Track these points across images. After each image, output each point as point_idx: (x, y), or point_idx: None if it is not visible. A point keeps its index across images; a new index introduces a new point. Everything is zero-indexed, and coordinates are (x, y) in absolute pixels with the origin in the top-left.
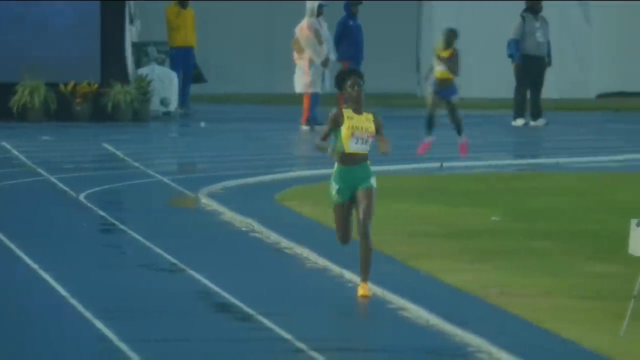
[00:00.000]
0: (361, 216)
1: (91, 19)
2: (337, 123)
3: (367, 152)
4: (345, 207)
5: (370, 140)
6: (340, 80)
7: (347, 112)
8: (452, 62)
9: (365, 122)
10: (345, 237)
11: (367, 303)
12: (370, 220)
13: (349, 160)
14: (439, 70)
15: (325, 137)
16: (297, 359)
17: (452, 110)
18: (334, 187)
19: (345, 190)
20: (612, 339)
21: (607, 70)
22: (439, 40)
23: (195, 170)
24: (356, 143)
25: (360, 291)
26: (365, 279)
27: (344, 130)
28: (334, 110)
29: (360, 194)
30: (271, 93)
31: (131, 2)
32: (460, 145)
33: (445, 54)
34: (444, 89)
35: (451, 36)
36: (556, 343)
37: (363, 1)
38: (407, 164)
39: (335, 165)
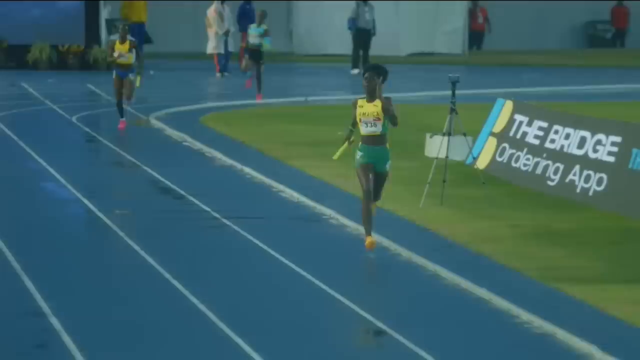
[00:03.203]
0: (373, 192)
1: (79, 3)
2: (354, 110)
3: (379, 133)
4: (367, 168)
5: (377, 122)
6: (363, 72)
7: (361, 102)
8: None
9: (373, 107)
10: (369, 189)
11: (257, 186)
12: (381, 195)
13: (367, 140)
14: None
15: (355, 123)
16: (214, 224)
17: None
18: (359, 154)
19: (367, 157)
20: (414, 209)
21: (414, 36)
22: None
23: (147, 102)
24: (366, 127)
25: (368, 240)
26: (369, 231)
27: (357, 116)
28: (354, 100)
29: (377, 177)
30: (197, 52)
31: None
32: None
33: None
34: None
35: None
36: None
37: None
38: (283, 98)
39: (360, 142)
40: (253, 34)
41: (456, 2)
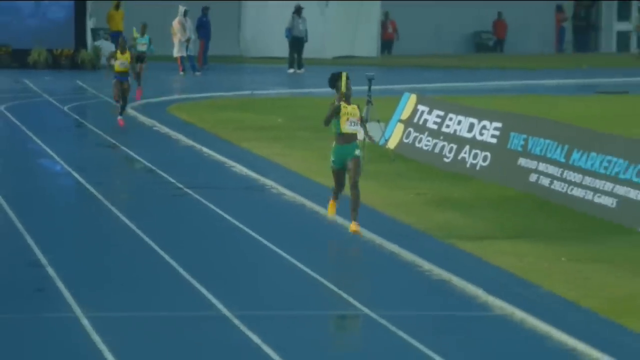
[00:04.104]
0: (353, 175)
1: (69, 13)
2: (336, 113)
3: (356, 132)
4: (339, 172)
5: (358, 122)
6: (333, 79)
7: (343, 104)
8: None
9: (353, 110)
10: (339, 190)
11: (213, 162)
12: (359, 178)
13: (342, 140)
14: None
15: (328, 121)
16: (178, 193)
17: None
18: (331, 159)
19: (338, 162)
20: None
21: (338, 43)
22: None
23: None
24: (350, 125)
25: (353, 227)
26: (355, 218)
27: (342, 117)
28: (335, 104)
29: (351, 162)
30: (166, 55)
31: (89, 2)
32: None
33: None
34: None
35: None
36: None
37: (209, 8)
38: (233, 92)
39: (334, 143)
40: (140, 42)
41: (371, 15)
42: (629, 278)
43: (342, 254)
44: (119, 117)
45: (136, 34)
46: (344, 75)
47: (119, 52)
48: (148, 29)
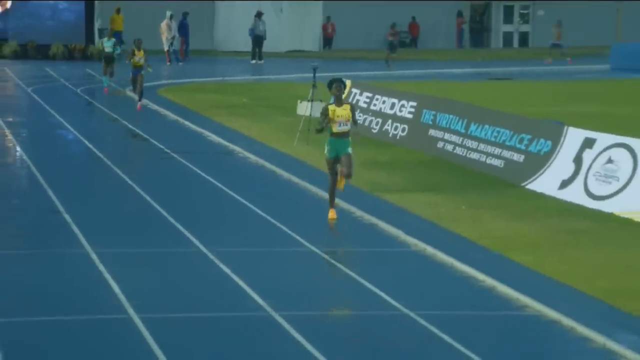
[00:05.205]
0: (345, 170)
1: (80, 16)
2: (326, 114)
3: (347, 130)
4: (332, 161)
5: (347, 122)
6: (330, 83)
7: (332, 107)
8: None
9: (344, 111)
10: (334, 180)
11: (192, 132)
12: (351, 172)
13: (337, 135)
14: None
15: (322, 127)
16: (166, 156)
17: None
18: (326, 148)
19: (332, 152)
20: (290, 147)
21: (289, 40)
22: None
23: (123, 80)
24: (339, 126)
25: (340, 185)
26: (342, 179)
27: (332, 119)
28: (325, 106)
29: (343, 158)
30: (158, 49)
31: (96, 7)
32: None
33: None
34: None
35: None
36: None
37: (189, 12)
38: (208, 78)
39: (328, 136)
40: (107, 45)
41: (315, 18)
42: (513, 221)
43: (292, 203)
44: (138, 104)
45: (105, 39)
46: (334, 84)
47: (135, 50)
48: (144, 29)
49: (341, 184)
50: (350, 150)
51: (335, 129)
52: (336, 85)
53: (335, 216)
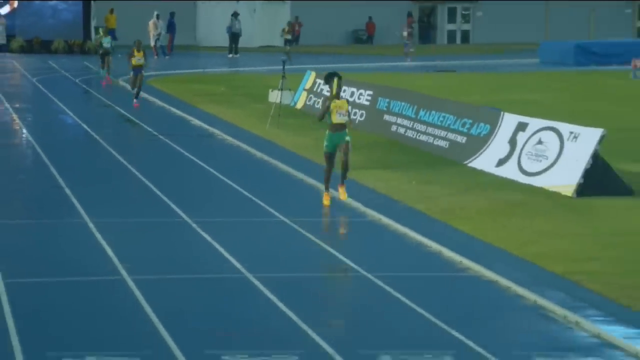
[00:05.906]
0: (344, 157)
1: (78, 15)
2: (328, 107)
3: (345, 121)
4: (330, 155)
5: (347, 114)
6: (328, 77)
7: (332, 99)
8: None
9: (342, 103)
10: (329, 169)
11: (177, 117)
12: (350, 158)
13: (334, 128)
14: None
15: (323, 115)
16: (154, 139)
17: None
18: (325, 143)
19: (331, 146)
20: (263, 130)
21: (261, 36)
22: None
23: (117, 72)
24: (340, 116)
25: (342, 196)
26: (342, 181)
27: (333, 110)
28: (326, 100)
29: (342, 146)
30: (146, 44)
31: (92, 7)
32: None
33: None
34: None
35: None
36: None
37: (175, 12)
38: (191, 70)
39: (327, 131)
40: (105, 42)
41: (284, 17)
42: (457, 195)
43: (265, 179)
44: (135, 101)
45: (100, 35)
46: (336, 79)
47: (135, 50)
48: (135, 27)
49: (344, 195)
50: (348, 138)
51: (336, 119)
52: (337, 81)
53: (329, 203)
